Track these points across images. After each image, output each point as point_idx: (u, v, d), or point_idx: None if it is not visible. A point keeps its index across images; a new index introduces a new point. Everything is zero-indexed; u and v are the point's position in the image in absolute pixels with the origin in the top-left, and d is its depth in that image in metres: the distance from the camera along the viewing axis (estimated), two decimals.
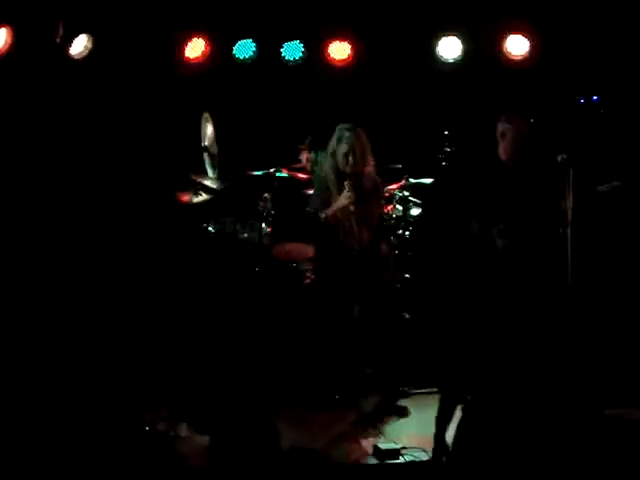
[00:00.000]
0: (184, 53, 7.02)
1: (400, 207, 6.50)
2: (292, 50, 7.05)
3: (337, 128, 5.72)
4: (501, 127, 5.66)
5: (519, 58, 6.91)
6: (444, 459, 4.65)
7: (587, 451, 4.31)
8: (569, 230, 5.11)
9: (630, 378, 5.58)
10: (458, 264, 6.47)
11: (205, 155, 5.93)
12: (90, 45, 6.84)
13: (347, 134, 5.60)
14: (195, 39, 7.02)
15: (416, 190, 6.66)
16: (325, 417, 5.49)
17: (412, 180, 6.62)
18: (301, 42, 7.02)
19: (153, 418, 5.14)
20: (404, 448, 4.88)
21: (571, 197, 5.20)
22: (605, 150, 6.57)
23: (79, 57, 6.84)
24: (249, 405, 5.34)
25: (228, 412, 5.02)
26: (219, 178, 6.02)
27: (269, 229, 6.41)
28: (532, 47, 6.88)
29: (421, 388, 5.94)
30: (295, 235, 6.32)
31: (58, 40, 6.72)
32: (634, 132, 6.76)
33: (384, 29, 7.02)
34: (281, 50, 7.03)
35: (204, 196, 6.17)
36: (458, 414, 4.59)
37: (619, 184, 5.62)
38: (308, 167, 7.06)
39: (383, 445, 4.94)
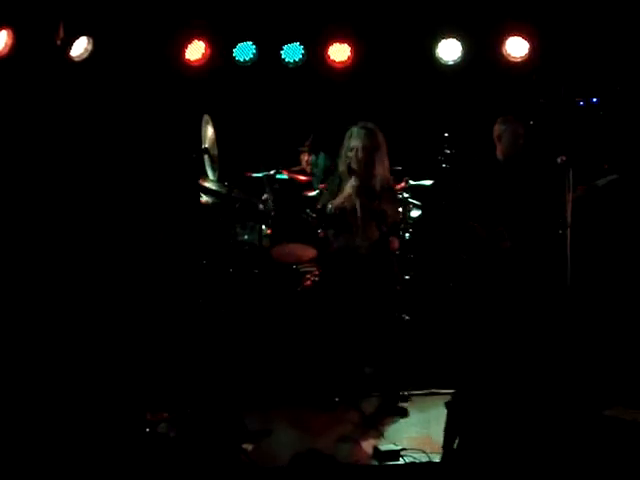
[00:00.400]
0: (184, 55, 7.05)
1: (400, 209, 6.50)
2: (292, 52, 7.06)
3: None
4: (497, 129, 5.73)
5: (519, 60, 6.93)
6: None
7: (586, 451, 4.31)
8: (568, 231, 5.12)
9: (629, 378, 5.58)
10: (458, 265, 6.49)
11: (205, 157, 5.93)
12: (90, 47, 6.86)
13: (360, 131, 5.58)
14: (195, 41, 7.04)
15: (416, 192, 6.67)
16: (325, 418, 5.49)
17: (412, 182, 6.64)
18: (301, 44, 7.03)
19: (153, 419, 5.14)
20: (404, 449, 4.87)
21: (571, 199, 5.21)
22: (604, 152, 6.58)
23: (79, 59, 6.85)
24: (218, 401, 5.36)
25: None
26: (219, 180, 6.02)
27: (269, 231, 6.42)
28: (532, 49, 6.90)
29: (420, 389, 5.95)
30: (295, 237, 6.32)
31: (58, 42, 6.74)
32: (633, 134, 6.77)
33: (384, 31, 7.04)
34: (281, 52, 7.04)
35: (205, 198, 6.19)
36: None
37: (616, 177, 5.62)
38: (308, 169, 7.08)
39: (383, 446, 4.93)
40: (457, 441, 4.40)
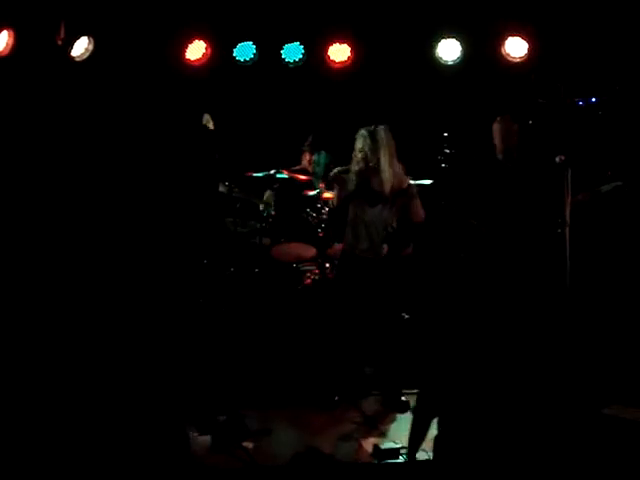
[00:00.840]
0: (185, 55, 7.06)
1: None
2: (292, 52, 7.07)
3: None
4: (493, 129, 5.82)
5: (518, 60, 6.95)
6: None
7: (585, 450, 4.32)
8: (567, 230, 5.14)
9: (628, 377, 5.59)
10: (458, 264, 6.52)
11: None
12: (91, 47, 6.87)
13: (363, 133, 5.60)
14: (196, 41, 7.05)
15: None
16: (325, 417, 5.51)
17: (412, 181, 6.64)
18: (301, 44, 7.04)
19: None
20: (404, 448, 4.89)
21: (569, 198, 5.24)
22: (604, 152, 6.59)
23: (80, 59, 6.87)
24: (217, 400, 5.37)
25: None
26: (220, 180, 6.04)
27: (269, 231, 6.44)
28: (531, 49, 6.91)
29: (419, 389, 5.97)
30: (295, 236, 6.34)
31: (59, 42, 6.75)
32: (633, 134, 6.79)
33: (384, 31, 7.05)
34: (281, 52, 7.06)
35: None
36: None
37: (620, 184, 5.66)
38: (310, 168, 7.09)
39: (383, 445, 4.96)
40: (457, 441, 4.41)
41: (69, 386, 5.39)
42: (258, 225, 6.35)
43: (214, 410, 5.37)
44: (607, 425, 4.58)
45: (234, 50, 7.07)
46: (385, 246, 5.62)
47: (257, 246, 6.33)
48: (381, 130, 5.58)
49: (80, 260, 6.69)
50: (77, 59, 6.85)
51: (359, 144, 5.57)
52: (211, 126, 5.95)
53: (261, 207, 6.51)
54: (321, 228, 6.29)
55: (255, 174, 6.72)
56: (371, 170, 5.54)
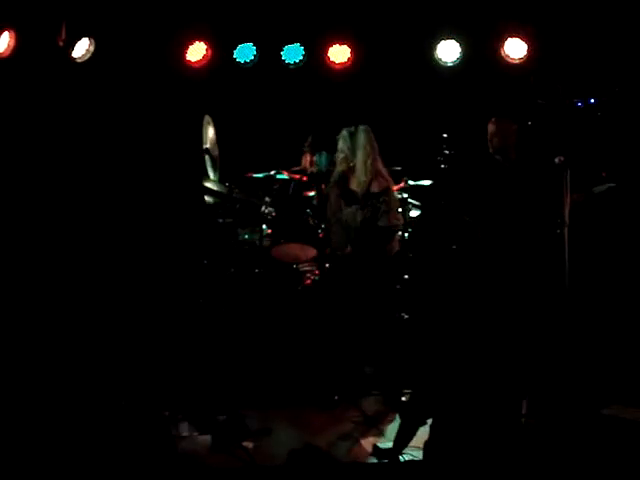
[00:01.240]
0: (185, 56, 7.08)
1: (399, 209, 6.54)
2: (292, 53, 7.09)
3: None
4: (489, 129, 5.84)
5: (517, 61, 6.97)
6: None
7: (585, 450, 4.33)
8: (566, 231, 5.16)
9: (628, 377, 5.60)
10: (457, 263, 6.53)
11: (207, 157, 5.97)
12: (92, 48, 6.90)
13: (343, 134, 5.71)
14: (196, 43, 7.07)
15: (415, 192, 6.70)
16: (325, 417, 5.52)
17: (411, 182, 6.67)
18: (301, 45, 7.06)
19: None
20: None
21: (568, 199, 5.25)
22: (602, 152, 6.61)
23: (81, 60, 6.89)
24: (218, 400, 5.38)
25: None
26: (220, 180, 6.06)
27: (269, 231, 6.45)
28: (530, 50, 6.93)
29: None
30: (295, 236, 6.35)
31: (60, 43, 6.78)
32: (631, 135, 6.80)
33: (384, 32, 7.07)
34: (281, 53, 7.08)
35: (206, 198, 6.22)
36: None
37: (614, 185, 5.68)
38: (310, 169, 7.09)
39: (382, 444, 4.97)
40: (453, 439, 4.42)
41: (68, 385, 5.41)
42: (265, 228, 6.38)
43: (214, 410, 5.38)
44: (607, 425, 4.60)
45: (234, 52, 7.09)
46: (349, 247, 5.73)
47: (257, 247, 6.34)
48: (361, 131, 5.70)
49: (81, 260, 6.70)
50: (78, 60, 6.88)
51: (339, 145, 5.69)
52: (211, 127, 5.97)
53: (263, 209, 6.52)
54: (321, 229, 6.30)
55: (255, 175, 6.74)
56: (351, 170, 5.63)
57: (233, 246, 6.38)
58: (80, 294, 6.52)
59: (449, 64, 7.02)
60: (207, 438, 5.16)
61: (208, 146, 5.93)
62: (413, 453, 4.84)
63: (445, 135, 6.53)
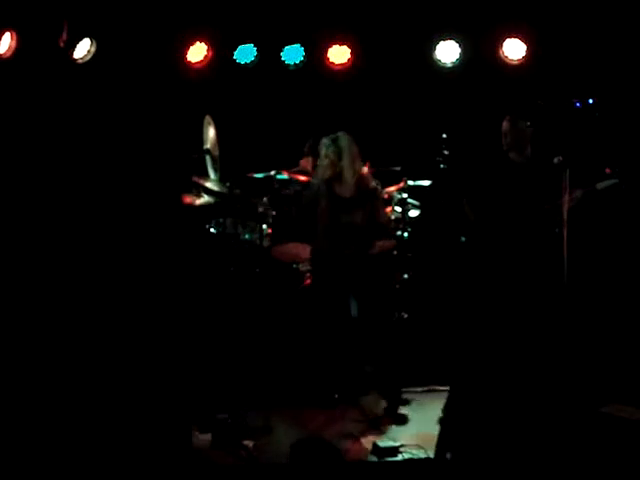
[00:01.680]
0: (186, 57, 7.09)
1: (399, 209, 6.57)
2: (292, 54, 7.11)
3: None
4: (503, 127, 5.88)
5: (516, 62, 6.99)
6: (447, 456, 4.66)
7: (583, 448, 4.35)
8: (565, 230, 5.18)
9: (626, 375, 5.63)
10: (457, 263, 6.56)
11: (207, 158, 5.99)
12: (93, 49, 6.91)
13: (326, 141, 5.81)
14: (197, 43, 7.09)
15: (414, 192, 6.73)
16: (325, 415, 5.55)
17: (410, 182, 6.69)
18: (301, 46, 7.08)
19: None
20: (403, 446, 4.94)
21: (567, 198, 5.27)
22: (601, 152, 6.63)
23: (82, 61, 6.91)
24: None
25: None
26: (221, 180, 6.07)
27: (269, 230, 6.48)
28: (529, 51, 6.95)
29: (419, 387, 6.02)
30: (295, 236, 6.38)
31: (62, 44, 6.79)
32: (630, 135, 6.82)
33: (383, 33, 7.09)
34: (281, 54, 7.10)
35: (206, 198, 6.24)
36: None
37: (616, 182, 5.70)
38: (309, 170, 7.12)
39: (382, 443, 4.99)
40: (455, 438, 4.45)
41: (72, 385, 5.42)
42: (265, 228, 6.40)
43: (215, 408, 5.40)
44: (605, 424, 4.62)
45: (234, 53, 7.11)
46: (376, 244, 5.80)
47: (257, 246, 6.36)
48: (343, 137, 5.78)
49: (81, 261, 6.71)
50: (79, 61, 6.89)
51: (322, 152, 5.79)
52: (212, 128, 5.98)
53: (260, 209, 6.55)
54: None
55: (255, 175, 6.76)
56: (336, 176, 5.77)
57: (233, 246, 6.39)
58: (80, 294, 6.53)
59: (448, 65, 7.03)
60: (208, 436, 5.18)
61: (209, 146, 5.94)
62: (414, 452, 4.88)
63: (444, 135, 6.57)
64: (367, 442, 5.12)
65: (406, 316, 6.20)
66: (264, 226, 6.39)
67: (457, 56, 7.01)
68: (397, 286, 6.27)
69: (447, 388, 5.71)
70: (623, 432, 4.51)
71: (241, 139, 7.16)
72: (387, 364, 5.76)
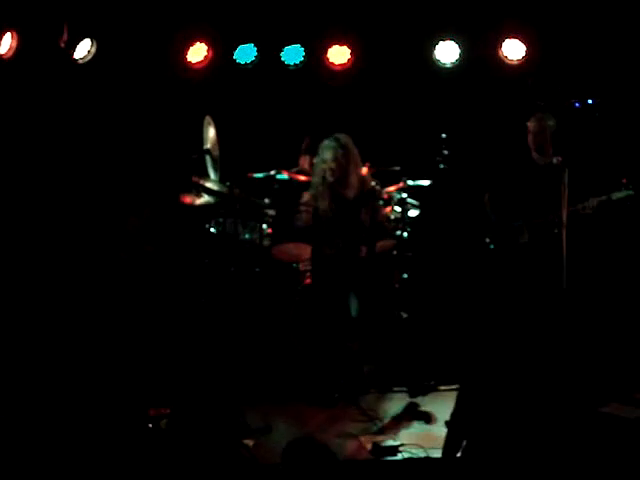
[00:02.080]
0: (186, 57, 7.11)
1: (398, 209, 6.57)
2: (292, 54, 7.12)
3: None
4: (528, 127, 5.90)
5: (516, 62, 7.00)
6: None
7: (581, 448, 4.35)
8: (564, 231, 5.19)
9: (625, 375, 5.64)
10: (457, 262, 6.58)
11: (207, 158, 6.00)
12: (94, 50, 6.93)
13: (330, 143, 5.80)
14: (197, 44, 7.10)
15: (414, 192, 6.74)
16: (324, 414, 5.55)
17: (410, 182, 6.70)
18: (302, 46, 7.10)
19: (156, 415, 5.20)
20: (402, 445, 4.94)
21: (566, 199, 5.28)
22: (600, 153, 6.65)
23: (83, 61, 6.92)
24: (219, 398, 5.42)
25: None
26: (221, 180, 6.09)
27: (269, 230, 6.49)
28: (528, 51, 6.96)
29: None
30: (295, 236, 6.38)
31: (62, 44, 6.80)
32: (629, 135, 6.83)
33: (383, 33, 7.10)
34: (281, 54, 7.11)
35: (206, 198, 6.25)
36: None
37: (632, 193, 5.67)
38: (308, 170, 7.13)
39: (382, 442, 5.00)
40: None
41: (72, 384, 5.43)
42: (265, 228, 6.41)
43: (214, 407, 5.40)
44: (604, 423, 4.63)
45: (234, 53, 7.12)
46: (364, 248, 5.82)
47: (257, 246, 6.38)
48: (346, 138, 5.79)
49: (81, 260, 6.72)
50: (80, 61, 6.91)
51: (329, 155, 5.78)
52: (212, 128, 6.00)
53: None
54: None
55: (255, 175, 6.77)
56: (341, 178, 5.79)
57: (233, 246, 6.40)
58: (80, 294, 6.54)
59: (448, 65, 7.05)
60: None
61: (209, 146, 5.95)
62: (413, 451, 4.89)
63: (444, 135, 6.58)
64: (367, 441, 5.12)
65: (405, 316, 6.21)
66: (264, 226, 6.40)
67: (457, 56, 7.02)
68: (397, 285, 6.29)
69: (447, 388, 5.76)
70: (623, 432, 4.50)
71: (241, 139, 7.17)
72: (386, 363, 5.78)
